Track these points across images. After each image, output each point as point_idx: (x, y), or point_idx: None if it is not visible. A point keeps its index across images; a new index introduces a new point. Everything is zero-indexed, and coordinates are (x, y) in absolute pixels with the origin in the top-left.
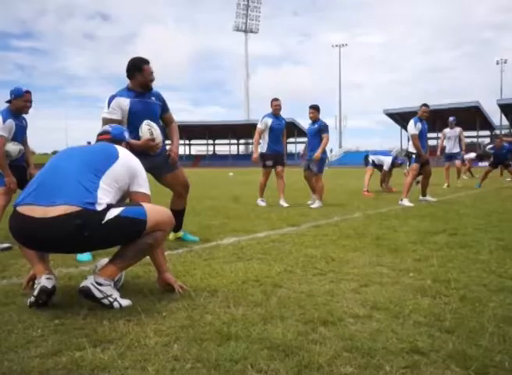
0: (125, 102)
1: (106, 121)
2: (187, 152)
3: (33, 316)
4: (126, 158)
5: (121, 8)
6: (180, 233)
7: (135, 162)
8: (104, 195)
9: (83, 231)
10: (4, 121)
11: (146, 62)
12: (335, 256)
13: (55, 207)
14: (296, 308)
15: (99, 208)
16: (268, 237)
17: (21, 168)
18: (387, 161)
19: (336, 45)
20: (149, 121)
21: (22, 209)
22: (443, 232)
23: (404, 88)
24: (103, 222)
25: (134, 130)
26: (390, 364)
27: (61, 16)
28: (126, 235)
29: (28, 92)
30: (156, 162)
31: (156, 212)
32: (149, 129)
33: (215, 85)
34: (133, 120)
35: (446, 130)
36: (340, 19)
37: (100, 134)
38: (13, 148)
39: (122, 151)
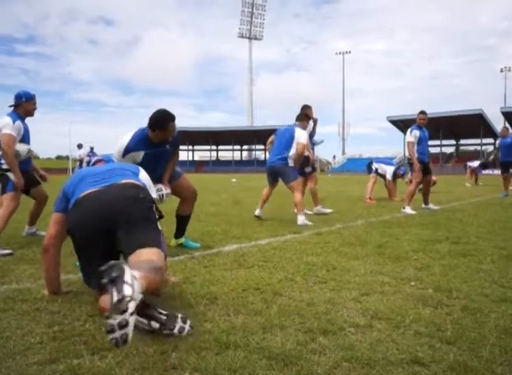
0: (139, 156)
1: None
2: (190, 158)
3: (32, 323)
4: (145, 173)
5: (124, 14)
6: (182, 240)
7: (148, 177)
8: None
9: None
10: (14, 122)
11: (173, 119)
12: (336, 264)
13: None
14: (296, 317)
15: None
16: (270, 245)
17: (27, 173)
18: (389, 171)
19: (340, 52)
20: (161, 187)
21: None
22: (446, 240)
23: (408, 95)
24: None
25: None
26: None
27: (64, 21)
28: None
29: (34, 95)
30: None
31: None
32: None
33: (218, 91)
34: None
35: None
36: (344, 26)
37: (95, 162)
38: (22, 147)
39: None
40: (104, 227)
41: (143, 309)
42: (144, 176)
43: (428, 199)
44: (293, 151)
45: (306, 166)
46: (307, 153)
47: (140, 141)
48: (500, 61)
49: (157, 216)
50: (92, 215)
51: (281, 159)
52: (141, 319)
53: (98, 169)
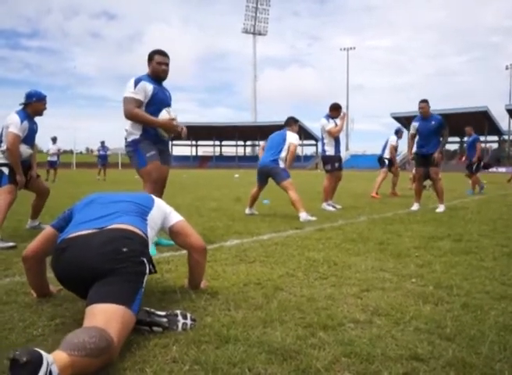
0: (149, 87)
1: (130, 100)
2: (194, 153)
3: (34, 315)
4: (159, 204)
5: (127, 8)
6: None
7: (162, 202)
8: None
9: None
10: (21, 122)
11: (158, 52)
12: (337, 260)
13: None
14: (296, 312)
15: None
16: (272, 240)
17: (25, 169)
18: (393, 137)
19: (344, 48)
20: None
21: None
22: (448, 238)
23: (412, 92)
24: None
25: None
26: (389, 371)
27: (67, 15)
28: None
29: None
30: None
31: None
32: (170, 111)
33: (222, 86)
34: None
35: None
36: (349, 22)
37: None
38: (26, 150)
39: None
40: (80, 281)
41: (143, 317)
42: (156, 211)
43: (443, 198)
44: (284, 153)
45: (325, 164)
46: (327, 152)
47: (145, 76)
48: (505, 58)
49: (145, 270)
50: (69, 270)
51: (273, 161)
52: (143, 327)
53: (109, 196)
